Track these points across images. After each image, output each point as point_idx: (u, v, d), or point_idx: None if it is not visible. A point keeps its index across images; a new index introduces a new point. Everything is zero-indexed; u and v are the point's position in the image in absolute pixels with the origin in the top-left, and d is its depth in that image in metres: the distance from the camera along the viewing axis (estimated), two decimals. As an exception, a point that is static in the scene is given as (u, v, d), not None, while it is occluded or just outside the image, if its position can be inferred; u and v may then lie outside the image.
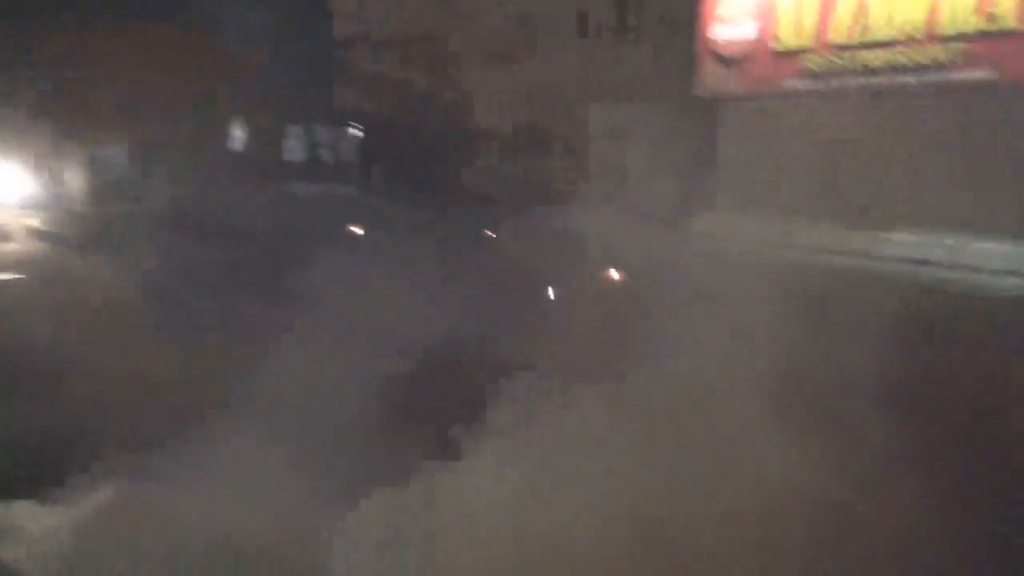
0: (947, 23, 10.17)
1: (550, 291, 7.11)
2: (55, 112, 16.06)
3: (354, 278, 7.01)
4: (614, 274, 7.59)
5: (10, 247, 11.52)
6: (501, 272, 7.79)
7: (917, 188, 10.78)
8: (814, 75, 11.81)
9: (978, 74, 10.02)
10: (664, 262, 7.46)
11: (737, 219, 12.24)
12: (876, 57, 10.96)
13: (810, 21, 11.74)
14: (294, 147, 23.64)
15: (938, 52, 10.32)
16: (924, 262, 10.01)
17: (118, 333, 6.46)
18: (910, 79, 10.65)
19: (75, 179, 16.27)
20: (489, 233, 11.26)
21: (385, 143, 19.39)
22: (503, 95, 16.37)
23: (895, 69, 10.80)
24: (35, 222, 13.08)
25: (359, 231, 11.22)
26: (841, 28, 11.34)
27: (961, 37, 10.08)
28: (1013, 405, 4.30)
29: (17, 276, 9.49)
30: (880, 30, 10.87)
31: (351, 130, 22.48)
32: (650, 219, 12.61)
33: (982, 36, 9.89)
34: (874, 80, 11.08)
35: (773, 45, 12.27)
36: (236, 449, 4.37)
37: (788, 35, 12.05)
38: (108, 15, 16.20)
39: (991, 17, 9.73)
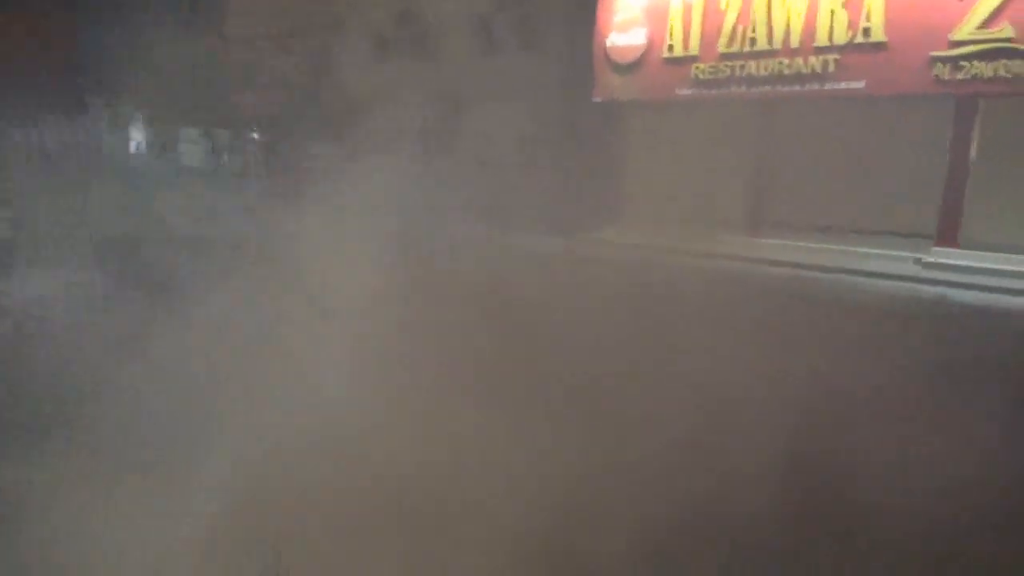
0: (823, 35, 10.77)
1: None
2: None
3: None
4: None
5: None
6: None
7: (802, 194, 11.33)
8: (703, 83, 12.20)
9: (850, 84, 10.63)
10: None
11: (630, 224, 12.40)
12: (760, 67, 11.46)
13: (698, 31, 12.15)
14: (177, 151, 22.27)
15: (815, 63, 10.90)
16: (803, 266, 10.48)
17: None
18: (791, 88, 11.17)
19: None
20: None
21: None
22: (400, 97, 15.99)
23: (778, 79, 11.31)
24: None
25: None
26: (726, 38, 11.79)
27: (835, 49, 10.69)
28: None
29: None
30: (762, 41, 11.38)
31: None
32: (544, 223, 12.53)
33: (854, 48, 10.53)
34: (758, 89, 11.56)
35: (664, 53, 12.62)
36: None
37: (678, 44, 12.42)
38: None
39: (862, 31, 10.38)
